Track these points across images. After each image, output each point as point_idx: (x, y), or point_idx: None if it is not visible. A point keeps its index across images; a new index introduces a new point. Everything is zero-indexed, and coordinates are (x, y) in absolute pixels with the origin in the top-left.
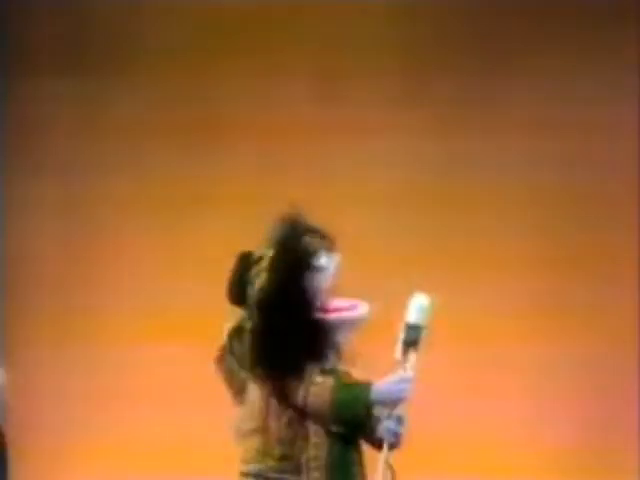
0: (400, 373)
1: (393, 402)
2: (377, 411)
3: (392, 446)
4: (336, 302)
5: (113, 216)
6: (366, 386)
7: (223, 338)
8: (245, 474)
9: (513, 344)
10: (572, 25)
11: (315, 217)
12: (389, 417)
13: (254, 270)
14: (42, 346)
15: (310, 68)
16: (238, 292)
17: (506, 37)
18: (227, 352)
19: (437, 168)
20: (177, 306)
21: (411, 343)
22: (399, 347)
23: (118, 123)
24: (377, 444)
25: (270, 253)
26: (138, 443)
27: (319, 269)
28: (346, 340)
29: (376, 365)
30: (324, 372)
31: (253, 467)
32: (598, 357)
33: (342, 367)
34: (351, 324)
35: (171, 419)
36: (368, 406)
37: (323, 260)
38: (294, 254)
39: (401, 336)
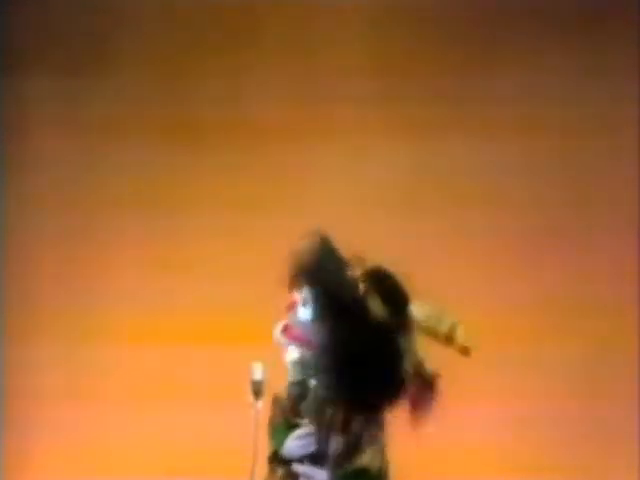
0: (299, 430)
1: (294, 458)
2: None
3: None
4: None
5: (106, 214)
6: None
7: None
8: None
9: (512, 344)
10: (562, 24)
11: (295, 216)
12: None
13: None
14: (42, 344)
15: (290, 68)
16: None
17: (493, 35)
18: None
19: (417, 169)
20: (177, 305)
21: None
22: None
23: (103, 122)
24: None
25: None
26: (136, 442)
27: None
28: None
29: None
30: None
31: None
32: (598, 357)
33: None
34: None
35: (171, 419)
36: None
37: None
38: None
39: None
